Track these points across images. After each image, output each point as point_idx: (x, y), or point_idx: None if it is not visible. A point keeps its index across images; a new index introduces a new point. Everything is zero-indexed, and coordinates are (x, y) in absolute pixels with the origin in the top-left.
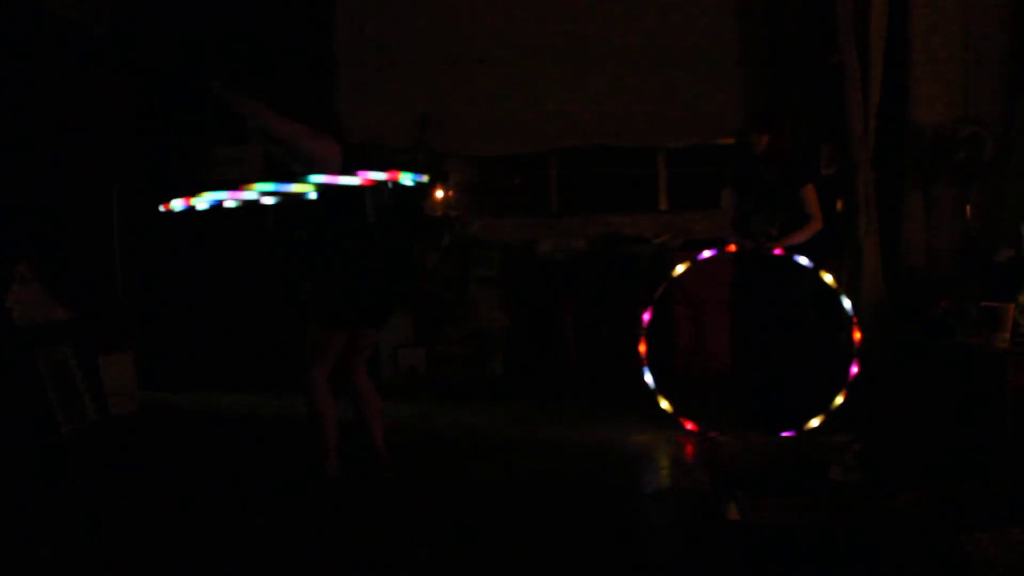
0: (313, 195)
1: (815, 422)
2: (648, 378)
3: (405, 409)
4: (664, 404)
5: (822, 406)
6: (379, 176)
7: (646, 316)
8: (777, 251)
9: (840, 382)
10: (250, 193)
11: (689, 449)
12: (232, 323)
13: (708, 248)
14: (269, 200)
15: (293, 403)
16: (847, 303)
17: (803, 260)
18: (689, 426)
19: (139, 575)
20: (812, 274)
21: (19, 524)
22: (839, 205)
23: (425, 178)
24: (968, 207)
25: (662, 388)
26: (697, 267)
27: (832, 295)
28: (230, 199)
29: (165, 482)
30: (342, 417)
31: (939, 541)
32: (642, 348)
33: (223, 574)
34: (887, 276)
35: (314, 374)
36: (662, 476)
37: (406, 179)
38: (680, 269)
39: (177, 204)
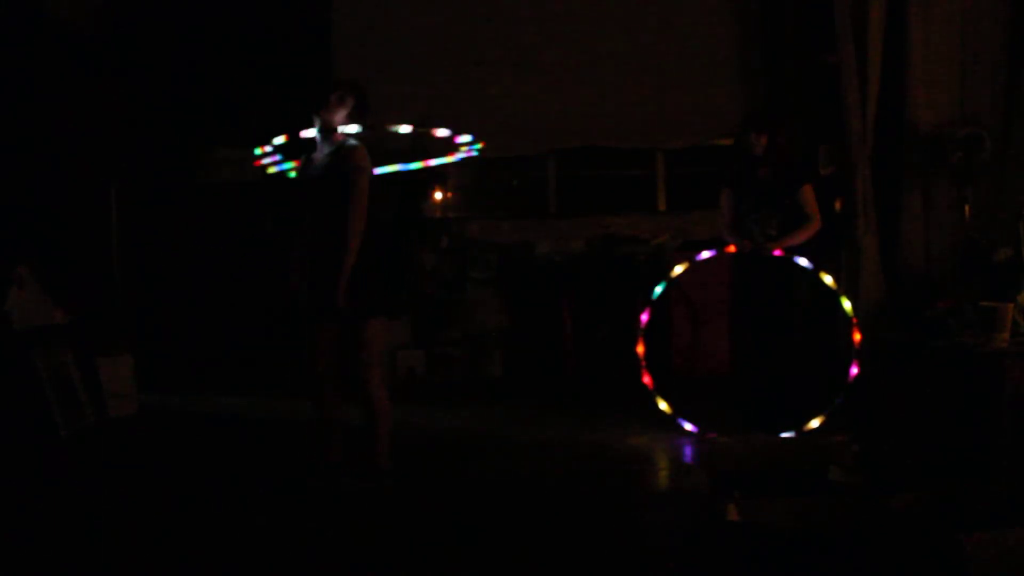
0: None
1: (815, 423)
2: (647, 379)
3: (404, 410)
4: (663, 405)
5: (821, 407)
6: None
7: (644, 317)
8: (776, 252)
9: (840, 383)
10: None
11: (688, 450)
12: (231, 325)
13: (707, 249)
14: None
15: (292, 405)
16: (846, 304)
17: (802, 261)
18: (688, 427)
19: (139, 575)
20: (811, 275)
21: (19, 524)
22: (838, 205)
23: None
24: (966, 207)
25: (661, 389)
26: (696, 268)
27: (831, 296)
28: None
29: (165, 483)
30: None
31: (938, 542)
32: (640, 349)
33: (223, 574)
34: (886, 276)
35: (376, 374)
36: (661, 477)
37: None
38: (679, 270)
39: None
